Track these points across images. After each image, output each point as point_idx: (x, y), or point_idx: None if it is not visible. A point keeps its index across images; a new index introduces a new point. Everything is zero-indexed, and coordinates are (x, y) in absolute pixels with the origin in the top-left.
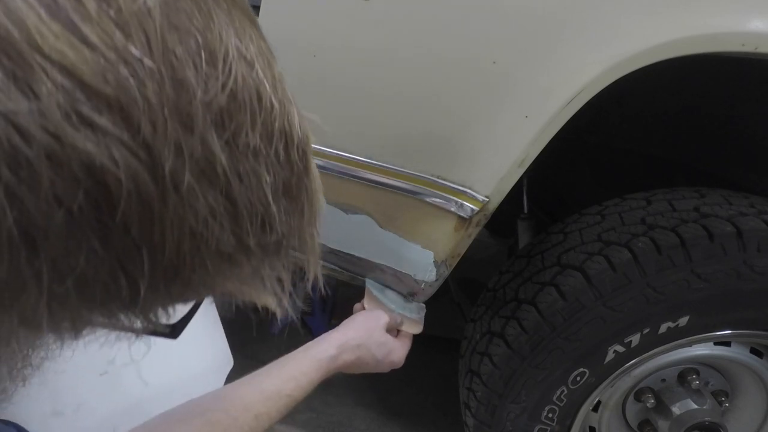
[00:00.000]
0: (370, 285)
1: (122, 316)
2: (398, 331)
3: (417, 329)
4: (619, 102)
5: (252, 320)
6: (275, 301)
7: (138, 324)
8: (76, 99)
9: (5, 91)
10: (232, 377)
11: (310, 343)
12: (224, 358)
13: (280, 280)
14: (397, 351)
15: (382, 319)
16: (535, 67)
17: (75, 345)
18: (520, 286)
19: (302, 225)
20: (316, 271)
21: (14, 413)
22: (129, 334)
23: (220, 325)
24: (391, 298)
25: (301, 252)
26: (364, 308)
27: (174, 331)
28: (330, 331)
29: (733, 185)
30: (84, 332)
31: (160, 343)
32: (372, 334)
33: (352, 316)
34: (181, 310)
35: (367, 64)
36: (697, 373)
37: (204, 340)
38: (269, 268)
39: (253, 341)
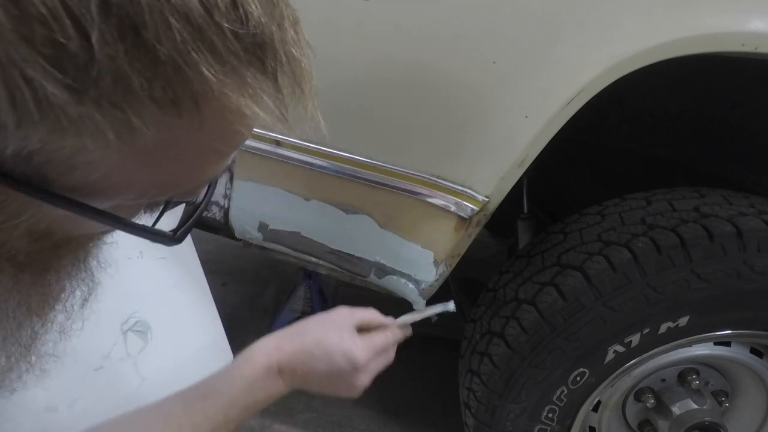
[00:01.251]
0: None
1: (85, 100)
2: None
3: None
4: (619, 102)
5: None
6: (273, 116)
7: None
8: None
9: None
10: None
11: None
12: (224, 355)
13: (277, 99)
14: (355, 350)
15: (353, 316)
16: (535, 67)
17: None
18: (520, 286)
19: (284, 38)
20: (314, 97)
21: (6, 409)
22: (133, 231)
23: (220, 321)
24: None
25: (292, 71)
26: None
27: (176, 235)
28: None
29: (733, 185)
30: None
31: (158, 337)
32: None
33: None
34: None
35: (367, 64)
36: (697, 373)
37: (203, 335)
38: (256, 79)
39: (253, 340)
